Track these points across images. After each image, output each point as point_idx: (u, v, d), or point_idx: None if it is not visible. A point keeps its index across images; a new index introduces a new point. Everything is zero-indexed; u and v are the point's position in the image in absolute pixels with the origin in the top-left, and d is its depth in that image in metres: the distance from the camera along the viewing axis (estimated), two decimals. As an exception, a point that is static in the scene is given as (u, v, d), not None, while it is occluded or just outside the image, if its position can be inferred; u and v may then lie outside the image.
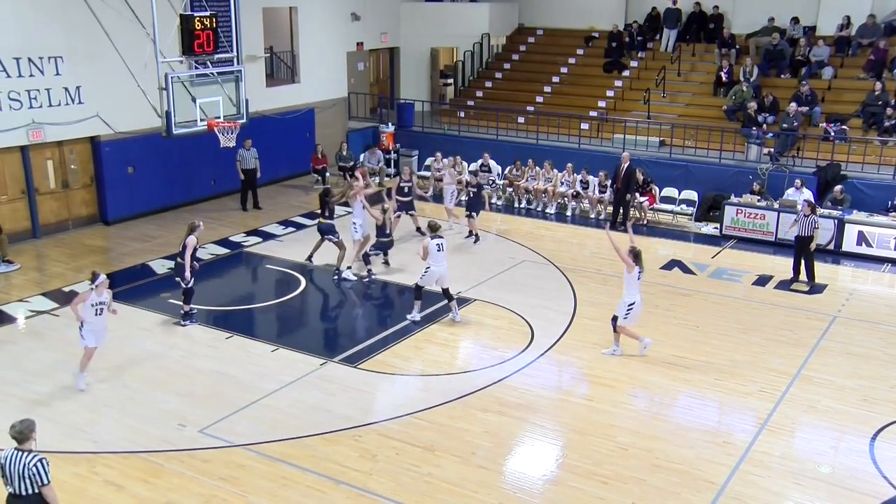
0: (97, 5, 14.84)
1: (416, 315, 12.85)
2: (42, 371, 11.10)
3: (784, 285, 14.66)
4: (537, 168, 19.49)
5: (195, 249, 12.39)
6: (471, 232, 16.76)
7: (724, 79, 21.13)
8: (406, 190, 16.85)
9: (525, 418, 10.14)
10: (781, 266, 15.52)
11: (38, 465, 6.66)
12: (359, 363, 11.51)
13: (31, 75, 15.73)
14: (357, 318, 13.90)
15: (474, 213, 16.68)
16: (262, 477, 8.82)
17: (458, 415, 10.14)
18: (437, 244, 12.66)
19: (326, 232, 14.70)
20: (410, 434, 9.67)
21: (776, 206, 16.97)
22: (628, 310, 11.49)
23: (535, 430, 9.92)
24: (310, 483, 8.72)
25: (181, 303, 12.69)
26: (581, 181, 18.94)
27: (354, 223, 14.76)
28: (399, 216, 16.58)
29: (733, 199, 17.54)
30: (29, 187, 16.44)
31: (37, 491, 6.70)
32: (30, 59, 15.65)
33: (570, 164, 19.09)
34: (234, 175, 18.93)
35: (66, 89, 16.32)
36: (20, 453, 6.70)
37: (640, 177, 18.26)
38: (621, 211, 18.04)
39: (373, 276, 14.68)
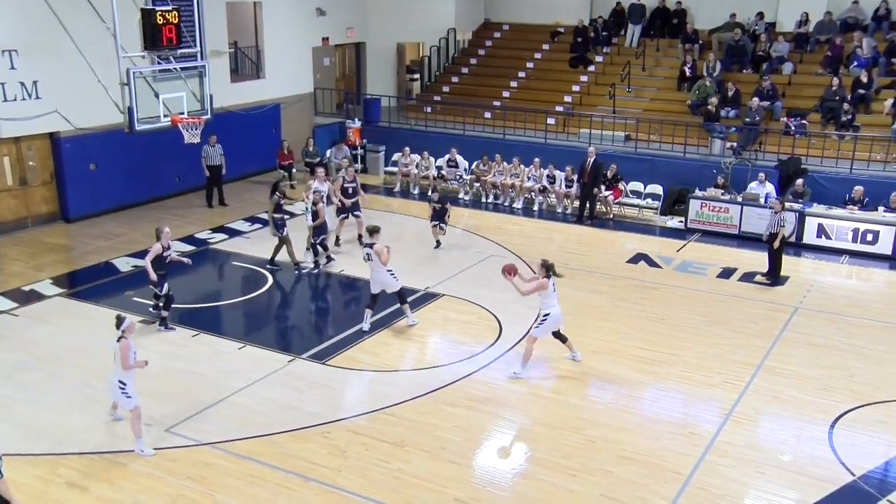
0: (54, -2, 14.57)
1: (365, 324, 12.40)
2: (2, 372, 10.88)
3: (748, 278, 14.89)
4: (504, 163, 19.55)
5: (159, 255, 11.87)
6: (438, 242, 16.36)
7: (687, 74, 21.37)
8: (350, 191, 16.06)
9: (494, 412, 10.18)
10: (746, 259, 15.76)
11: None
12: (327, 359, 11.46)
13: (-14, 69, 15.38)
14: (324, 314, 13.84)
15: (442, 225, 16.16)
16: (230, 475, 8.74)
17: (428, 410, 10.15)
18: (367, 253, 12.16)
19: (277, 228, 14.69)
20: (379, 430, 9.66)
21: (740, 199, 17.21)
22: (542, 320, 10.99)
23: (504, 425, 9.96)
24: (279, 480, 8.66)
25: (160, 308, 12.26)
26: (548, 176, 19.04)
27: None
28: (345, 218, 16.08)
29: (698, 192, 17.75)
30: (-14, 185, 16.11)
31: None
32: (-17, 53, 15.30)
33: (536, 160, 19.17)
34: (198, 171, 18.71)
35: (23, 84, 15.98)
36: None
37: (610, 173, 18.41)
38: (587, 205, 18.17)
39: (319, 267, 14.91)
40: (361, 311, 12.55)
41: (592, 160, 17.83)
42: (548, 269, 10.91)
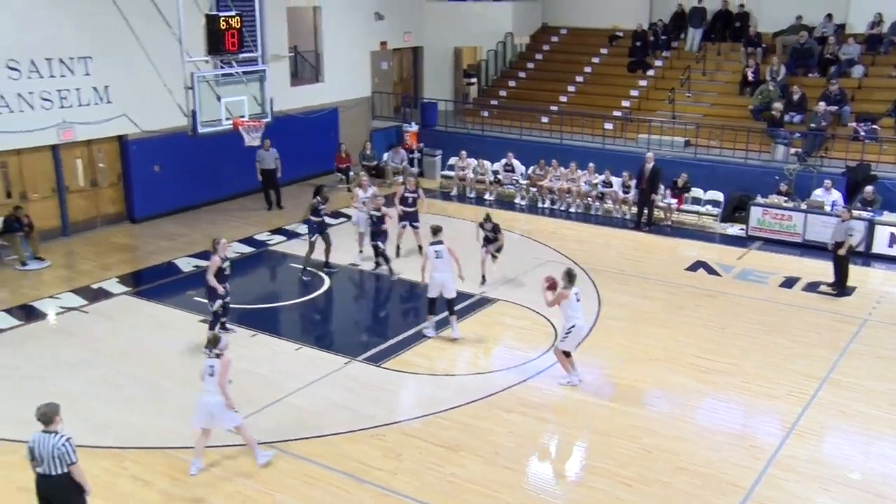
0: (125, 5, 14.99)
1: (430, 331, 12.44)
2: (72, 367, 11.25)
3: (812, 288, 14.50)
4: (561, 168, 19.43)
5: (219, 268, 11.55)
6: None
7: (750, 78, 20.92)
8: (410, 201, 15.60)
9: (548, 419, 10.12)
10: (809, 268, 15.36)
11: (66, 444, 6.92)
12: (382, 362, 11.54)
13: (62, 75, 15.94)
14: (381, 317, 13.94)
15: (495, 253, 14.94)
16: (287, 475, 8.87)
17: (482, 415, 10.14)
18: (436, 251, 12.15)
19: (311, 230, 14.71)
20: (434, 433, 9.69)
21: (804, 206, 16.78)
22: (567, 333, 10.76)
23: (558, 431, 9.90)
24: (334, 482, 8.76)
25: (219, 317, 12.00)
26: (604, 181, 18.85)
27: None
28: (403, 227, 15.75)
29: (759, 199, 17.37)
30: (59, 186, 16.66)
31: (66, 470, 6.95)
32: (60, 60, 15.85)
33: (591, 164, 19.00)
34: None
35: (95, 89, 16.53)
36: (47, 435, 6.92)
37: (681, 181, 18.14)
38: (645, 211, 17.95)
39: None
40: (417, 315, 12.61)
41: (651, 166, 17.60)
42: (569, 279, 10.67)
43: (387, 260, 14.85)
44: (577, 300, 10.76)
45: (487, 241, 14.62)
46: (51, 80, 15.79)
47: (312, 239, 14.70)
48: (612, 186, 18.75)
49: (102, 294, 13.88)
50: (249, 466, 8.99)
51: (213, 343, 8.79)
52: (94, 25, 16.12)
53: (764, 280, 14.93)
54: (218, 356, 8.68)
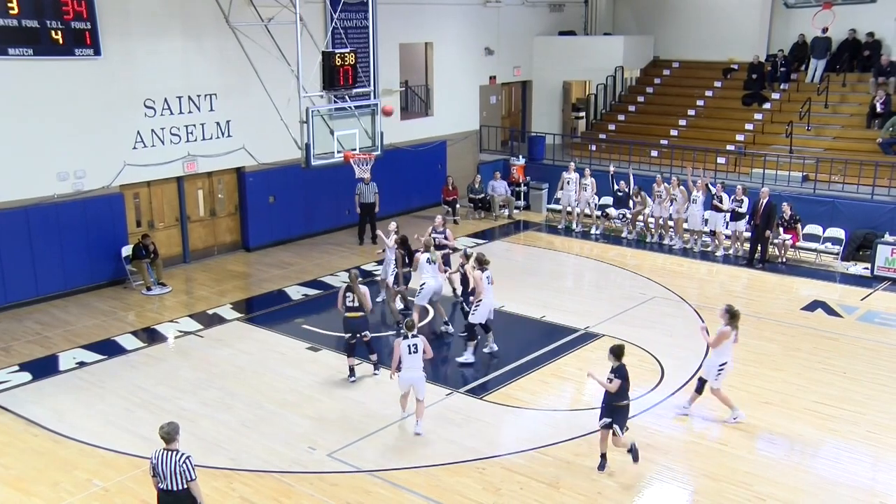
0: (248, 45, 15.78)
1: (469, 357, 12.51)
2: (188, 388, 11.74)
3: (944, 332, 13.55)
4: (664, 184, 18.74)
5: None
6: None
7: (879, 109, 19.91)
8: (436, 241, 14.68)
9: (653, 459, 9.80)
10: (941, 311, 14.37)
11: (187, 462, 7.25)
12: (484, 395, 11.50)
13: (190, 112, 16.88)
14: (483, 349, 13.90)
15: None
16: (387, 503, 8.91)
17: (584, 452, 9.92)
18: (488, 276, 12.40)
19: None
20: (535, 469, 9.54)
21: (936, 246, 15.77)
22: (719, 371, 10.48)
23: (663, 473, 9.55)
24: (433, 513, 8.74)
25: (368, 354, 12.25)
26: (735, 200, 17.82)
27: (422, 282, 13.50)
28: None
29: (888, 237, 16.41)
30: (182, 215, 17.57)
31: (186, 486, 7.25)
32: (189, 97, 16.81)
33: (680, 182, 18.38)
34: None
35: (218, 123, 17.41)
36: (168, 452, 7.23)
37: (787, 214, 17.44)
38: (759, 248, 17.27)
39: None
40: (521, 348, 12.51)
41: (766, 201, 16.95)
42: (732, 317, 10.40)
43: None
44: (734, 339, 10.57)
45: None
46: (180, 117, 16.74)
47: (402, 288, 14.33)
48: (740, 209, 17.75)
49: (217, 319, 14.46)
50: (350, 493, 9.08)
51: (410, 328, 10.37)
52: (221, 64, 17.02)
53: (891, 323, 14.04)
54: (415, 336, 10.31)
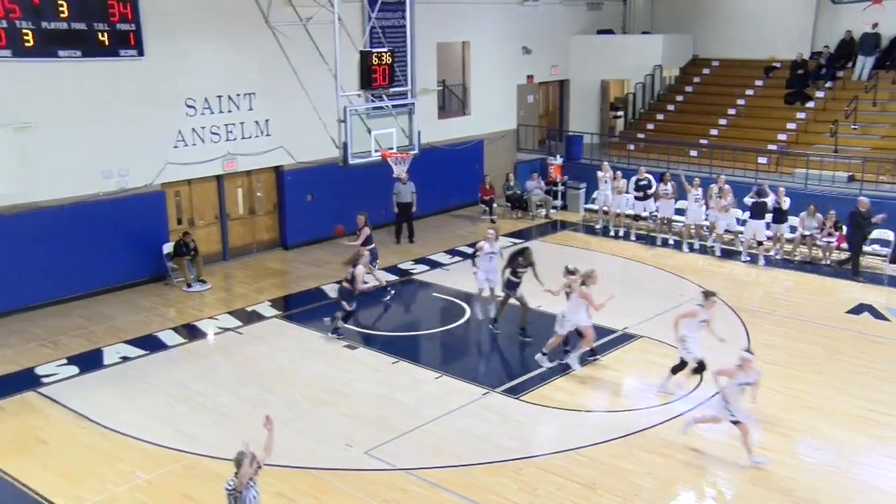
0: (287, 44, 15.92)
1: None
2: (227, 384, 11.88)
3: None
4: (671, 182, 18.51)
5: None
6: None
7: (929, 107, 19.44)
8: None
9: (691, 462, 9.68)
10: None
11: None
12: (521, 395, 11.46)
13: (230, 111, 17.09)
14: (521, 349, 13.86)
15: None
16: (423, 502, 8.93)
17: (620, 454, 9.85)
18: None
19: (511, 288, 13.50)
20: (571, 470, 9.49)
21: None
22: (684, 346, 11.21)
23: (702, 476, 9.44)
24: (469, 512, 8.74)
25: (339, 318, 13.43)
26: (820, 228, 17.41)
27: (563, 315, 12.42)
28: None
29: (936, 239, 16.04)
30: (222, 213, 17.79)
31: None
32: (229, 97, 17.02)
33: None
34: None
35: (257, 122, 17.59)
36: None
37: (829, 221, 17.07)
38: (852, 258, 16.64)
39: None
40: (559, 348, 12.44)
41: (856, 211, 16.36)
42: (705, 296, 11.21)
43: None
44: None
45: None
46: (220, 116, 16.95)
47: (517, 295, 13.43)
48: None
49: (256, 317, 14.62)
50: (387, 491, 9.12)
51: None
52: (260, 64, 17.19)
53: (938, 327, 13.72)
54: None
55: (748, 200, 17.57)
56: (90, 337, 13.61)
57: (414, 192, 19.00)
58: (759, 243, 17.47)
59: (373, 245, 15.37)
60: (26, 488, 9.24)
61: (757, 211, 17.42)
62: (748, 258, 17.57)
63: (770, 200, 17.38)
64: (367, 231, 15.42)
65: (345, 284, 13.45)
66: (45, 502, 8.99)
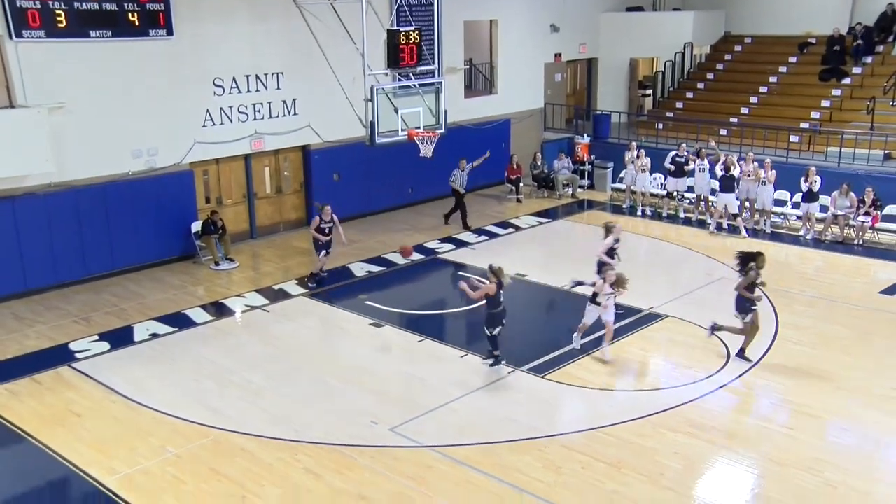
0: (314, 23, 15.92)
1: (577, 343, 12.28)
2: (254, 362, 12.01)
3: None
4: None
5: (611, 248, 13.18)
6: None
7: (969, 84, 18.95)
8: (327, 230, 14.65)
9: (717, 442, 9.64)
10: None
11: None
12: (546, 374, 11.46)
13: (257, 90, 17.15)
14: (547, 328, 13.86)
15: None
16: (447, 480, 9.00)
17: (646, 433, 9.82)
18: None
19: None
20: (596, 449, 9.49)
21: None
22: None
23: (728, 456, 9.39)
24: (494, 489, 8.78)
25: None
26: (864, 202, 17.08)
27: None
28: (326, 254, 14.77)
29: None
30: (249, 192, 17.91)
31: None
32: (257, 76, 17.07)
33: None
34: (431, 183, 19.64)
35: (285, 102, 17.64)
36: None
37: (868, 198, 16.77)
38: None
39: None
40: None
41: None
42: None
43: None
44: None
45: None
46: (247, 95, 17.02)
47: (746, 320, 11.53)
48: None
49: (283, 295, 14.74)
50: (412, 468, 9.20)
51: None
52: (287, 43, 17.22)
53: (973, 308, 13.47)
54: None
55: (718, 171, 17.90)
56: (121, 314, 13.82)
57: (467, 178, 18.86)
58: (734, 216, 17.84)
59: (330, 236, 15.06)
60: (62, 458, 9.46)
61: (727, 184, 17.72)
62: (715, 229, 17.94)
63: (736, 172, 17.65)
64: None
65: None
66: (80, 472, 9.20)
